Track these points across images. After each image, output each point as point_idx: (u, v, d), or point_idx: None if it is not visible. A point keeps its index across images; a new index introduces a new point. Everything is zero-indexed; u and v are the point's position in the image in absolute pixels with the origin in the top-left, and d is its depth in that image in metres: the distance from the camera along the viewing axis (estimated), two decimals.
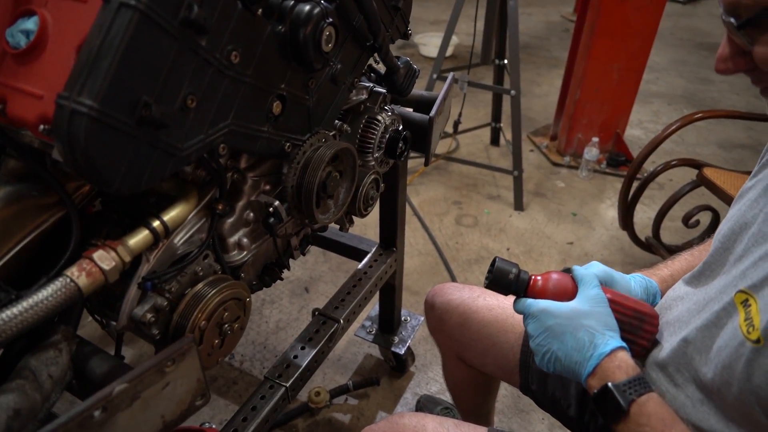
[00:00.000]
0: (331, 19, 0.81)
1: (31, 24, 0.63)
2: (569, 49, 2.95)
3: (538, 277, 0.78)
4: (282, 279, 1.03)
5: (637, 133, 3.34)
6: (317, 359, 1.24)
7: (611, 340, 0.70)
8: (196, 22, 0.61)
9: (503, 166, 2.74)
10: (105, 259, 0.66)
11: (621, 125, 2.88)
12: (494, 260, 0.79)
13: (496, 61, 2.71)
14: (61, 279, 0.63)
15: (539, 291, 0.77)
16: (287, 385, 1.14)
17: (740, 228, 0.69)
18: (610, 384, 0.66)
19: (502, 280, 0.77)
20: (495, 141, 3.13)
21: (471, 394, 1.29)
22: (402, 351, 1.66)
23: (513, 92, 2.39)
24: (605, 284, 0.79)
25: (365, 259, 1.49)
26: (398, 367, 1.75)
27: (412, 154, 1.22)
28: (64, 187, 0.71)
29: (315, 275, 2.17)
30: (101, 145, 0.57)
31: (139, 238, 0.72)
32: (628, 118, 2.89)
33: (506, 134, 3.08)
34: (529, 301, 0.75)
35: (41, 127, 0.61)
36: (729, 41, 0.62)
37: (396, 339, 1.68)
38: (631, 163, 2.10)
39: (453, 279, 2.14)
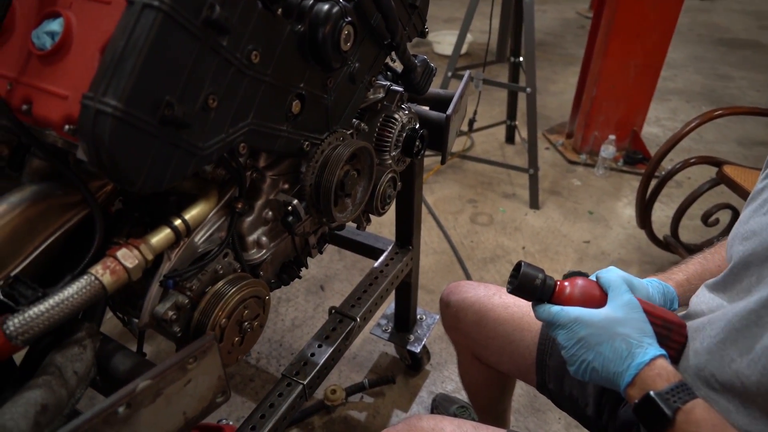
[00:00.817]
0: (349, 18, 0.81)
1: (56, 25, 0.64)
2: (585, 46, 2.92)
3: (566, 283, 0.75)
4: (300, 277, 1.03)
5: (654, 130, 3.30)
6: (334, 357, 1.24)
7: (650, 348, 0.68)
8: (217, 22, 0.62)
9: (518, 164, 2.73)
10: (128, 257, 0.67)
11: (638, 123, 2.84)
12: (519, 264, 0.75)
13: (512, 59, 2.70)
14: (86, 277, 0.64)
15: (566, 298, 0.74)
16: (304, 382, 1.15)
17: None
18: (652, 393, 0.64)
19: (527, 286, 0.73)
20: (510, 139, 3.12)
21: (487, 393, 1.28)
22: (417, 349, 1.66)
23: (528, 90, 2.38)
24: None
25: (381, 258, 1.50)
26: (414, 365, 1.75)
27: (427, 152, 1.22)
28: (87, 186, 0.72)
29: (330, 273, 2.17)
30: (125, 145, 0.58)
31: (161, 236, 0.73)
32: (646, 116, 2.85)
33: (521, 132, 3.07)
34: (556, 308, 0.73)
35: (66, 127, 0.61)
36: None
37: (411, 337, 1.68)
38: (650, 161, 2.07)
39: (468, 277, 2.13)
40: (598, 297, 0.74)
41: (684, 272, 0.90)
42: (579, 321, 0.71)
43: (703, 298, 0.78)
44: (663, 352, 0.68)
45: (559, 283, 0.75)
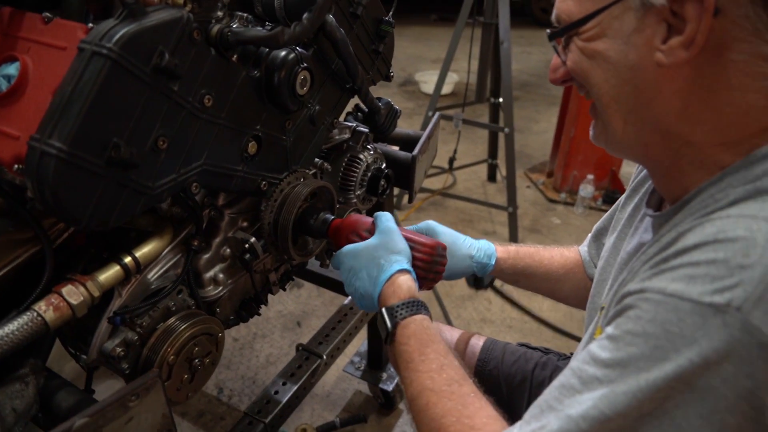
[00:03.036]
0: (306, 64, 0.85)
1: (12, 69, 0.66)
2: (564, 88, 3.01)
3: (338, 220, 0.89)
4: (260, 315, 1.04)
5: (632, 170, 3.35)
6: (299, 395, 1.23)
7: (394, 264, 0.76)
8: (167, 69, 0.65)
9: (499, 202, 2.76)
10: (73, 293, 0.68)
11: (616, 163, 2.90)
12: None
13: (491, 100, 2.77)
14: (28, 313, 0.65)
15: (336, 228, 0.88)
16: (266, 421, 1.14)
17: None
18: (382, 308, 0.73)
19: (307, 226, 0.90)
20: (492, 177, 3.17)
21: None
22: (390, 388, 1.64)
23: (506, 130, 2.43)
24: (426, 234, 0.89)
25: None
26: (387, 404, 1.73)
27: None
28: (39, 223, 0.73)
29: (308, 309, 2.17)
30: (69, 184, 0.60)
31: (109, 273, 0.74)
32: None
33: (502, 171, 3.12)
34: (338, 251, 0.84)
35: (16, 166, 0.63)
36: (556, 51, 0.66)
37: (384, 375, 1.67)
38: None
39: (445, 314, 2.13)
40: (369, 227, 0.85)
41: (517, 246, 1.04)
42: (347, 253, 0.81)
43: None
44: (405, 267, 0.76)
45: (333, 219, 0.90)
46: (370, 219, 0.87)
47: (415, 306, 0.73)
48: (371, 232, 0.84)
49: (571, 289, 1.02)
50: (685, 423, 0.48)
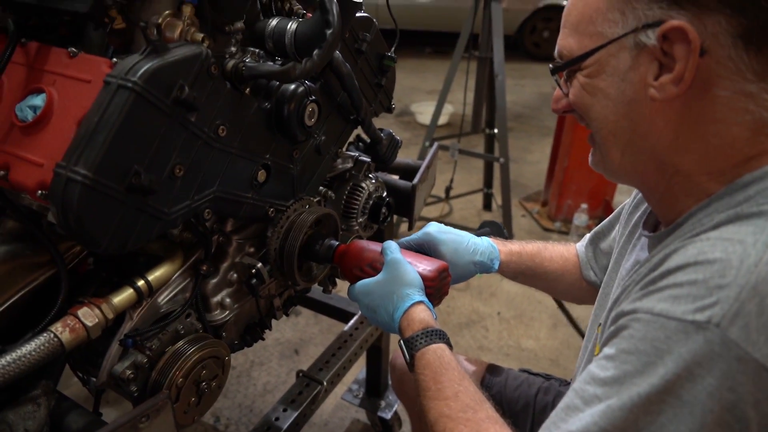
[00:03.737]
0: (313, 97, 0.89)
1: (39, 100, 0.70)
2: (557, 119, 3.08)
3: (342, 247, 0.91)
4: (264, 339, 1.05)
5: (625, 199, 3.41)
6: (299, 422, 1.24)
7: (406, 300, 0.78)
8: (186, 101, 0.68)
9: None
10: (89, 315, 0.70)
11: (609, 192, 2.96)
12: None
13: (487, 130, 2.83)
14: (45, 334, 0.66)
15: (341, 257, 0.90)
16: None
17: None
18: (400, 340, 0.77)
19: (309, 249, 0.92)
20: (487, 206, 3.21)
21: None
22: (388, 416, 1.64)
23: (502, 160, 2.49)
24: (428, 247, 0.93)
25: (351, 321, 1.52)
26: None
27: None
28: (56, 247, 0.76)
29: (306, 337, 2.17)
30: (92, 210, 0.62)
31: (123, 296, 0.76)
32: (617, 186, 2.97)
33: (498, 200, 3.16)
34: (351, 287, 0.86)
35: (39, 192, 0.66)
36: (558, 84, 0.70)
37: (383, 403, 1.67)
38: None
39: None
40: (373, 261, 0.87)
41: (521, 246, 1.05)
42: (360, 291, 0.84)
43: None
44: (418, 299, 0.78)
45: (338, 246, 0.91)
46: (375, 249, 0.89)
47: (429, 336, 0.75)
48: (380, 264, 0.85)
49: (566, 287, 1.07)
50: None
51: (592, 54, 0.62)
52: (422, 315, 0.78)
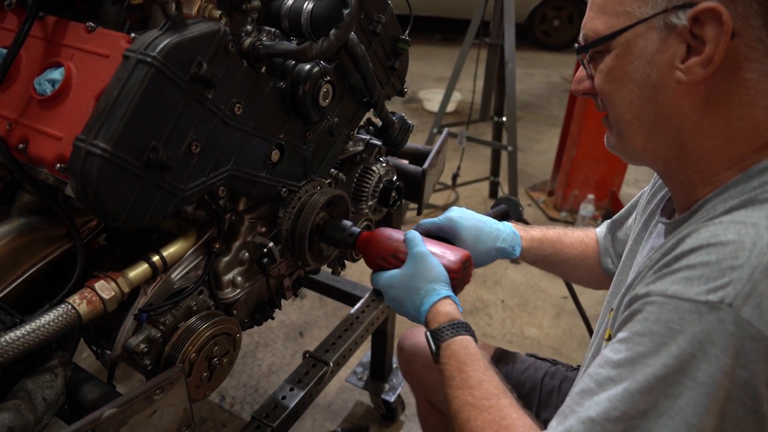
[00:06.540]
0: (328, 78, 0.89)
1: (57, 74, 0.70)
2: (566, 109, 3.07)
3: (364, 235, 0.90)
4: (273, 318, 1.06)
5: (632, 191, 3.41)
6: (305, 401, 1.25)
7: (432, 295, 0.78)
8: (204, 78, 0.69)
9: None
10: (105, 288, 0.71)
11: (616, 183, 2.95)
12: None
13: (495, 118, 2.82)
14: (63, 306, 0.67)
15: (364, 246, 0.90)
16: (273, 425, 1.15)
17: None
18: (426, 332, 0.77)
19: (329, 233, 0.94)
20: (493, 194, 3.20)
21: None
22: (392, 399, 1.66)
23: (510, 148, 2.48)
24: (449, 231, 0.92)
25: (358, 304, 1.53)
26: (388, 415, 1.74)
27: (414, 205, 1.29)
28: (73, 221, 0.76)
29: (310, 320, 2.19)
30: (110, 184, 0.63)
31: (138, 271, 0.77)
32: (624, 177, 2.96)
33: (504, 188, 3.16)
34: (375, 276, 0.87)
35: (58, 165, 0.67)
36: (583, 64, 0.70)
37: (386, 386, 1.69)
38: None
39: None
40: (396, 250, 0.86)
41: (542, 232, 1.04)
42: (385, 284, 0.84)
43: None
44: (446, 293, 0.79)
45: (361, 233, 0.91)
46: (398, 238, 0.88)
47: (455, 328, 0.75)
48: (403, 254, 0.85)
49: (584, 273, 1.07)
50: (695, 419, 0.51)
51: (620, 33, 0.61)
52: (448, 308, 0.78)
